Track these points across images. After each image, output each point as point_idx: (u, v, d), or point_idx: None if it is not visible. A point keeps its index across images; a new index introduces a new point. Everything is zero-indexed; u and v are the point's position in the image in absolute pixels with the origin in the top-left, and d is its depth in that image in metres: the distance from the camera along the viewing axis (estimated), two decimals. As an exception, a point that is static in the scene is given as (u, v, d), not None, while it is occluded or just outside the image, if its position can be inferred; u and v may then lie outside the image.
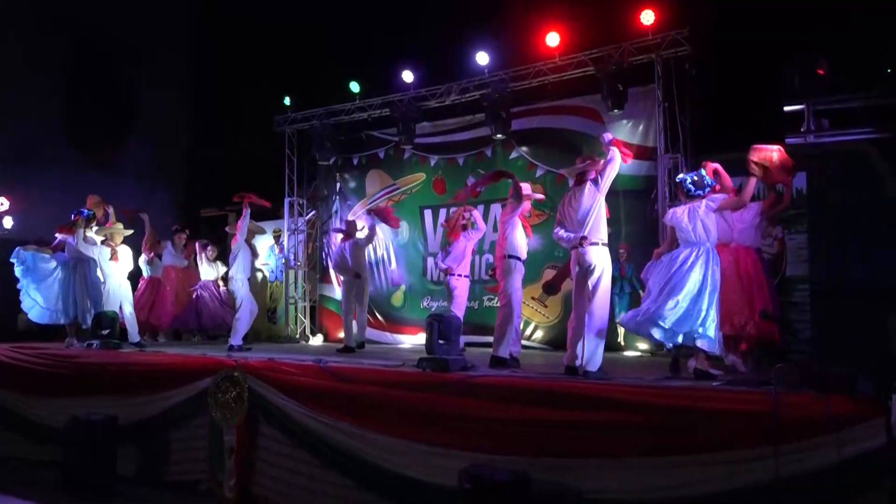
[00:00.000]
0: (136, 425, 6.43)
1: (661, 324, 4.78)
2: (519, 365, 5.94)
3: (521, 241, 6.55)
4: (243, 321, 8.19)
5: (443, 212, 10.16)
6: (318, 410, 5.39)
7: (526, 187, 6.95)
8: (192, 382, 6.14)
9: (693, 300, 4.77)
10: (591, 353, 5.11)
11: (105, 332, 7.42)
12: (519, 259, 6.47)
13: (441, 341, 5.18)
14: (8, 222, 9.24)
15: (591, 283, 5.26)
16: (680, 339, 4.83)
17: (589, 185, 5.56)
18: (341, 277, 9.31)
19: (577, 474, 4.23)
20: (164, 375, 6.41)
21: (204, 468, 6.02)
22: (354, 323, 8.82)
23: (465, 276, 8.40)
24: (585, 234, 5.33)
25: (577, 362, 5.14)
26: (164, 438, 6.37)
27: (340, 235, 9.24)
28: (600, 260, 5.32)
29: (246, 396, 5.71)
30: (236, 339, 8.04)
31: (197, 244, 9.92)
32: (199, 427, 6.11)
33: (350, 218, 10.17)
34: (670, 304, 4.74)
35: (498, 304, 6.83)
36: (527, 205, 7.03)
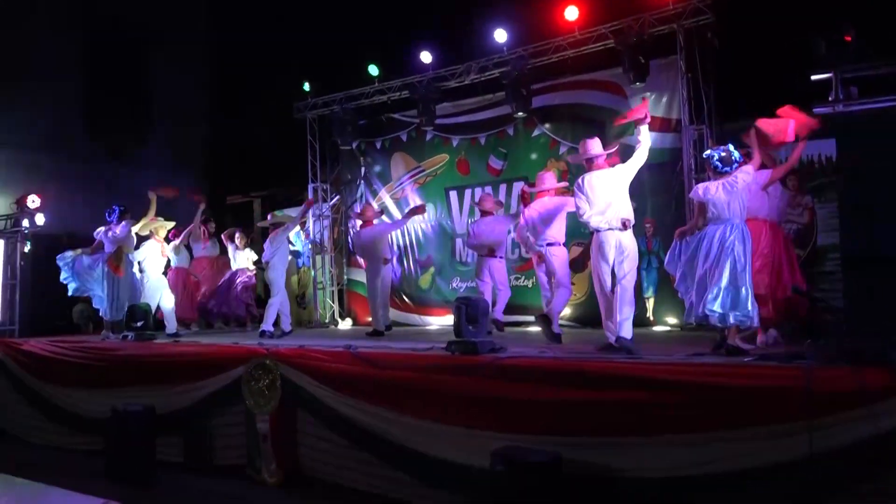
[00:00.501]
0: (173, 414, 6.55)
1: (713, 311, 4.77)
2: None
3: None
4: (274, 307, 8.30)
5: (468, 192, 10.14)
6: (350, 395, 5.46)
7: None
8: (226, 371, 6.24)
9: (737, 282, 4.75)
10: (622, 324, 5.33)
11: (139, 324, 7.54)
12: None
13: (469, 324, 5.19)
14: (40, 219, 9.41)
15: (623, 264, 5.44)
16: (732, 319, 4.77)
17: (614, 171, 5.66)
18: (365, 262, 9.32)
19: (608, 453, 4.25)
20: (199, 365, 6.51)
21: (244, 453, 6.13)
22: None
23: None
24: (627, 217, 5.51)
25: (611, 339, 5.40)
26: (203, 426, 6.49)
27: (360, 221, 9.25)
28: (630, 242, 5.50)
29: (279, 384, 5.80)
30: (267, 326, 8.16)
31: (224, 233, 10.01)
32: (236, 414, 6.21)
33: (374, 204, 10.17)
34: (713, 293, 4.76)
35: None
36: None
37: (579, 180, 5.76)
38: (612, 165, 5.87)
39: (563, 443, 4.36)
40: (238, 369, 6.14)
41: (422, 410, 5.04)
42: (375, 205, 10.28)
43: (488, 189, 9.84)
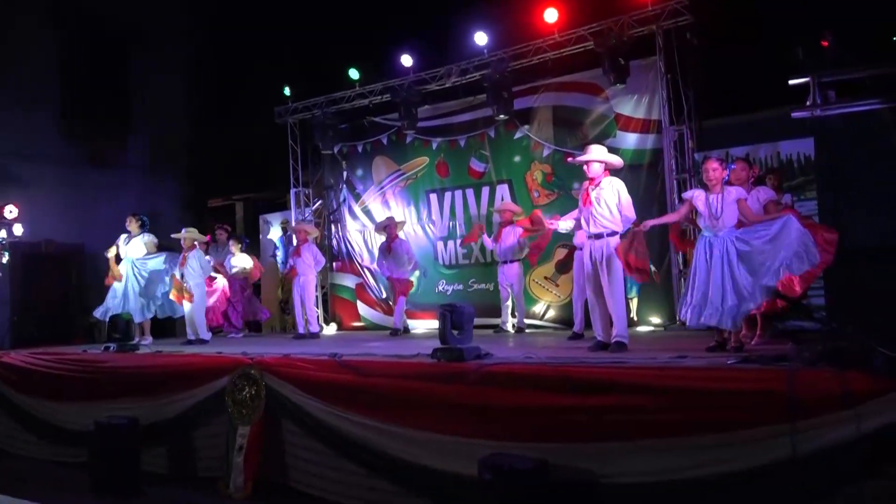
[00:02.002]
0: (157, 426, 6.47)
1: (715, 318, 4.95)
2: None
3: None
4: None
5: (448, 194, 10.14)
6: (335, 404, 5.41)
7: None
8: (210, 382, 6.17)
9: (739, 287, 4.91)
10: (623, 328, 5.73)
11: (120, 335, 7.46)
12: None
13: (454, 331, 5.18)
14: (18, 229, 9.28)
15: (612, 266, 5.71)
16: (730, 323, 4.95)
17: (611, 180, 5.89)
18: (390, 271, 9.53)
19: (595, 459, 4.24)
20: (182, 376, 6.44)
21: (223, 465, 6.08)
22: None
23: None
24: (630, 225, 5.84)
25: (614, 338, 5.69)
26: (188, 437, 6.42)
27: (384, 236, 9.58)
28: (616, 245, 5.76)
29: (263, 394, 5.75)
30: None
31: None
32: (220, 424, 6.14)
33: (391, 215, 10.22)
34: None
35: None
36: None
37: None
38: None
39: (549, 449, 4.36)
40: (222, 379, 6.08)
41: (408, 419, 5.01)
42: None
43: (470, 192, 9.86)
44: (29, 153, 11.47)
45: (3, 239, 9.24)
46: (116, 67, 13.01)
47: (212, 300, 9.52)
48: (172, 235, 8.92)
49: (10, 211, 9.22)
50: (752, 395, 3.88)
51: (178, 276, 8.58)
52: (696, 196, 5.34)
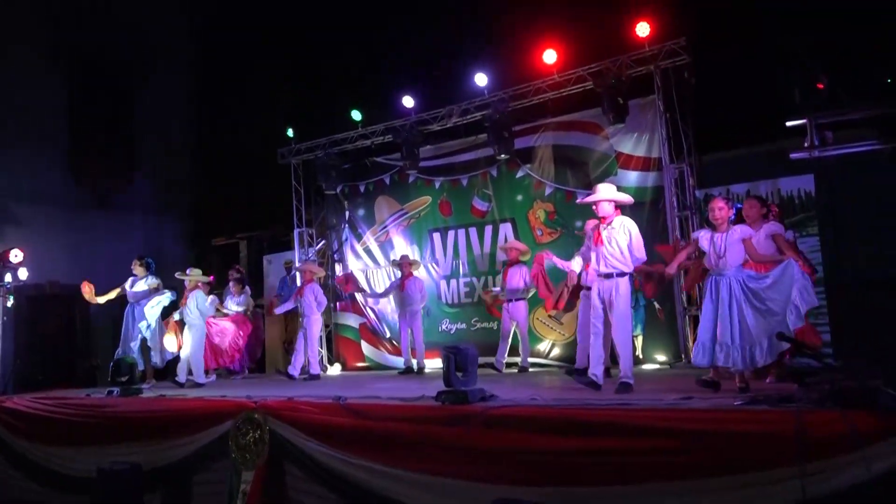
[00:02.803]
0: (160, 471, 6.41)
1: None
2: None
3: None
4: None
5: (451, 233, 10.18)
6: (339, 448, 5.36)
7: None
8: (214, 426, 6.13)
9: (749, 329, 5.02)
10: (628, 368, 5.70)
11: (124, 378, 7.44)
12: None
13: (458, 373, 5.16)
14: (23, 273, 9.32)
15: (620, 307, 5.71)
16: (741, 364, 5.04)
17: (623, 220, 5.91)
18: (398, 309, 9.69)
19: (602, 502, 4.20)
20: (186, 420, 6.39)
21: (228, 511, 6.01)
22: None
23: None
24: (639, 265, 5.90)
25: (620, 380, 5.68)
26: (190, 482, 6.36)
27: (400, 272, 9.66)
28: (625, 286, 5.79)
29: (267, 439, 5.71)
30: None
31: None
32: (221, 470, 6.09)
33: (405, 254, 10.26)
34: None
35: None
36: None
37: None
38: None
39: (556, 493, 4.32)
40: (226, 424, 6.04)
41: (413, 462, 4.97)
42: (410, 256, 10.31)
43: (473, 231, 9.91)
44: (34, 194, 11.60)
45: (8, 283, 9.26)
46: (120, 108, 13.21)
47: (227, 339, 9.61)
48: (177, 275, 9.00)
49: (16, 255, 9.26)
50: (760, 436, 3.85)
51: (175, 317, 8.64)
52: (702, 236, 5.40)
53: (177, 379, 8.68)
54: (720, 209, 5.25)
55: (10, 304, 9.48)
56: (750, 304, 5.05)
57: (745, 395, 4.53)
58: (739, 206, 5.79)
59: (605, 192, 5.94)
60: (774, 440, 3.78)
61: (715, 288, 5.18)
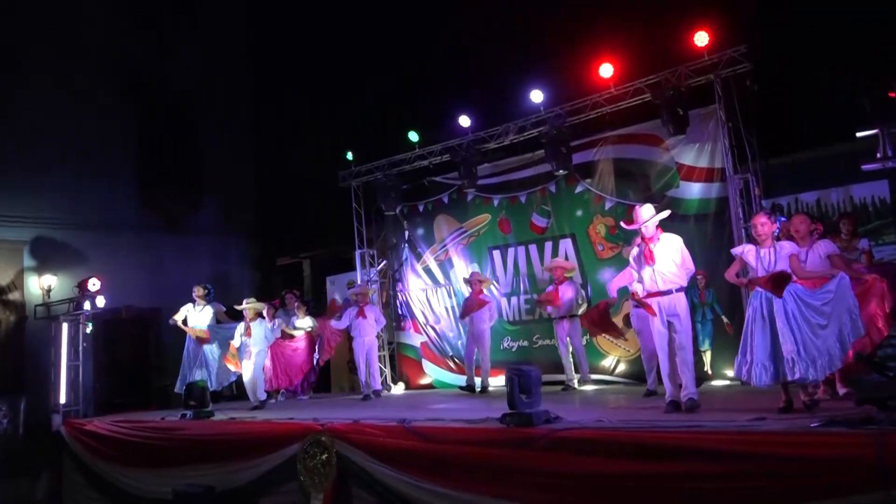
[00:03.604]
0: (230, 493, 6.58)
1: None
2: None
3: None
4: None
5: (510, 251, 10.16)
6: (405, 471, 5.40)
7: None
8: (282, 448, 6.26)
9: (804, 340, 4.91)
10: (693, 384, 5.62)
11: (194, 402, 7.66)
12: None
13: (522, 395, 5.13)
14: (101, 301, 9.72)
15: (683, 322, 5.68)
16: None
17: (668, 236, 5.87)
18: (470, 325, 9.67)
19: (673, 528, 4.11)
20: (255, 443, 6.55)
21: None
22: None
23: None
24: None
25: (684, 398, 5.54)
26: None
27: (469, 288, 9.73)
28: (683, 301, 5.74)
29: (335, 462, 5.79)
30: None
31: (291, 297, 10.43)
32: (289, 493, 6.20)
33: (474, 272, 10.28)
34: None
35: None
36: None
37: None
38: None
39: (625, 518, 4.24)
40: (294, 446, 6.16)
41: (479, 485, 4.96)
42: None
43: (533, 248, 9.87)
44: (108, 222, 12.13)
45: (87, 311, 9.68)
46: (186, 136, 13.70)
47: (298, 360, 9.88)
48: (236, 307, 9.26)
49: (94, 284, 9.68)
50: (839, 461, 3.69)
51: (235, 344, 8.91)
52: (747, 251, 5.30)
53: (253, 404, 8.91)
54: (762, 224, 5.19)
55: (89, 330, 9.89)
56: (806, 318, 4.94)
57: (822, 415, 4.35)
58: (783, 219, 5.63)
59: (646, 214, 5.87)
60: (854, 464, 3.63)
61: (766, 304, 5.04)
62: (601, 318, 7.33)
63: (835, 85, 7.69)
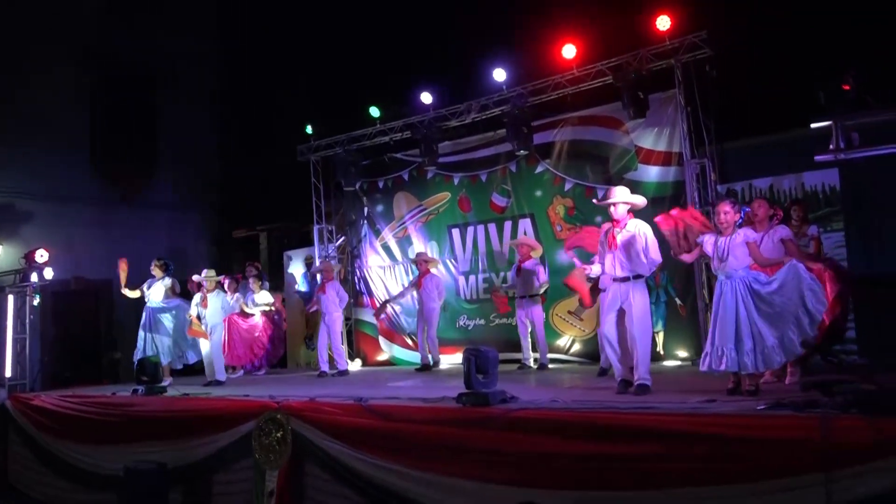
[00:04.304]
0: (183, 469, 6.52)
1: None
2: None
3: None
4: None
5: (470, 229, 10.19)
6: (361, 449, 5.40)
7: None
8: (237, 426, 6.20)
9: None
10: (645, 369, 5.64)
11: (148, 378, 7.53)
12: None
13: (479, 375, 5.17)
14: (49, 273, 9.46)
15: (638, 308, 5.70)
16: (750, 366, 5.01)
17: (637, 223, 5.88)
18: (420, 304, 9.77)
19: (625, 507, 4.20)
20: (209, 419, 6.48)
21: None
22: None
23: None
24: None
25: (636, 382, 5.62)
26: (213, 481, 6.45)
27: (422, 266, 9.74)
28: (641, 288, 5.79)
29: (290, 439, 5.77)
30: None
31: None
32: (243, 469, 6.17)
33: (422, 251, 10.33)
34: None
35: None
36: None
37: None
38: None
39: (577, 497, 4.33)
40: (249, 423, 6.11)
41: (434, 464, 4.99)
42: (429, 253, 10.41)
43: (492, 227, 9.90)
44: (58, 192, 11.78)
45: (35, 283, 9.42)
46: (143, 106, 13.34)
47: (256, 336, 9.81)
48: (194, 278, 9.11)
49: (41, 255, 9.40)
50: (785, 443, 3.81)
51: (195, 315, 8.77)
52: (706, 241, 5.38)
53: (217, 380, 8.80)
54: (726, 213, 5.24)
55: (36, 302, 9.64)
56: (757, 307, 5.04)
57: (769, 399, 4.48)
58: (747, 209, 5.75)
59: (621, 195, 5.91)
60: (799, 446, 3.74)
61: (720, 291, 5.17)
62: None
63: (791, 75, 7.84)
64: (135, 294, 9.15)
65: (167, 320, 8.98)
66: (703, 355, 5.26)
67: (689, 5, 8.03)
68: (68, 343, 11.66)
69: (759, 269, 5.29)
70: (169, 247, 12.57)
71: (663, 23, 7.99)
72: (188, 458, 6.52)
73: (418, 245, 10.62)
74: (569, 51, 8.67)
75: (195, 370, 9.43)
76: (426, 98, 9.89)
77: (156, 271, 9.02)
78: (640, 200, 6.00)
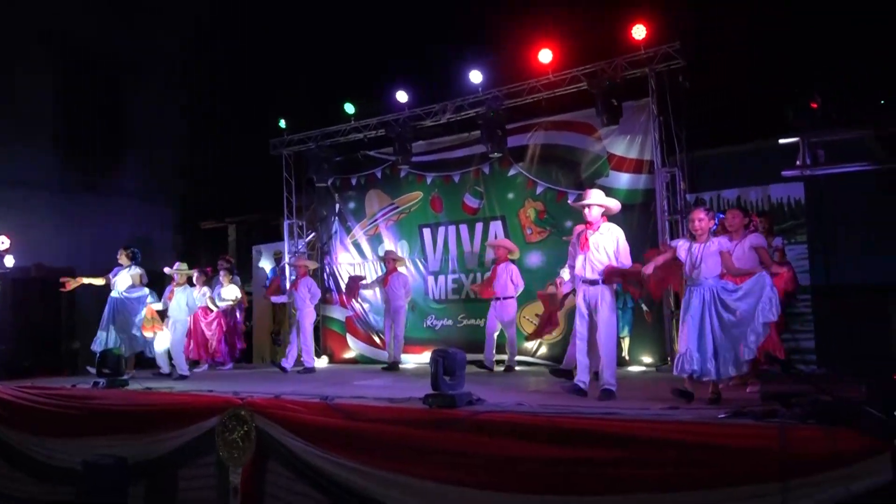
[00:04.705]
0: (145, 464, 6.42)
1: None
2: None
3: None
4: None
5: (441, 229, 10.20)
6: (326, 448, 5.37)
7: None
8: (200, 422, 6.12)
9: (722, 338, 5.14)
10: (611, 374, 5.73)
11: (109, 370, 7.40)
12: None
13: (446, 377, 5.18)
14: (9, 261, 9.25)
15: (605, 313, 5.76)
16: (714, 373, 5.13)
17: (610, 227, 5.93)
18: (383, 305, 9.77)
19: (586, 512, 4.24)
20: (172, 415, 6.38)
21: (215, 506, 6.02)
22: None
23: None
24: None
25: (602, 387, 5.70)
26: (175, 476, 6.35)
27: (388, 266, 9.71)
28: (610, 293, 5.82)
29: (254, 436, 5.72)
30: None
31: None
32: (208, 465, 6.10)
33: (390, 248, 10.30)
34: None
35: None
36: None
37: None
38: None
39: (543, 501, 4.36)
40: (212, 419, 6.04)
41: (400, 465, 4.98)
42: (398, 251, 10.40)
43: (464, 228, 9.93)
44: (21, 178, 11.51)
45: (-6, 271, 9.22)
46: (111, 93, 13.11)
47: (216, 330, 9.67)
48: (166, 271, 8.98)
49: (2, 242, 9.21)
50: (744, 451, 3.89)
51: (155, 308, 8.60)
52: (680, 245, 5.45)
53: (161, 371, 8.64)
54: (700, 220, 5.29)
55: (-4, 290, 9.43)
56: (719, 315, 5.14)
57: (729, 407, 4.57)
58: (721, 216, 5.84)
59: (596, 197, 5.96)
60: (758, 455, 3.82)
61: (689, 297, 5.25)
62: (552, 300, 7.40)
63: (761, 88, 8.00)
64: (100, 281, 8.96)
65: (131, 310, 8.82)
66: (676, 358, 5.31)
67: (665, 16, 8.15)
68: (28, 332, 11.37)
69: (730, 278, 5.38)
70: (134, 236, 12.38)
71: (639, 32, 8.09)
72: (150, 452, 6.41)
73: (389, 244, 10.60)
74: (545, 56, 8.73)
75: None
76: (402, 97, 9.89)
77: (122, 259, 8.84)
78: (615, 204, 6.06)
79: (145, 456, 6.42)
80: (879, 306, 7.43)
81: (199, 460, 6.15)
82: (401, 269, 9.80)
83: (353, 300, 10.49)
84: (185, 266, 8.91)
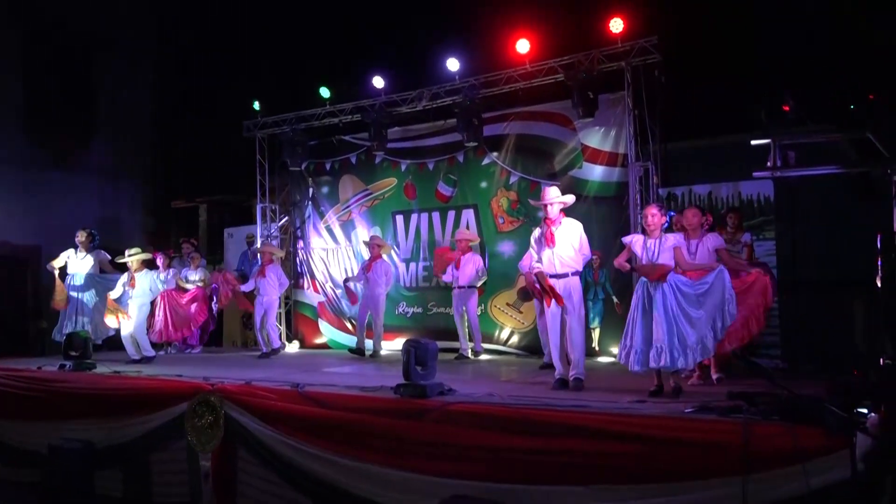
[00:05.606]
0: (113, 449, 6.36)
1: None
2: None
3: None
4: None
5: (414, 216, 10.19)
6: (295, 436, 5.37)
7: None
8: (169, 407, 6.08)
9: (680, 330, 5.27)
10: (581, 363, 5.88)
11: (76, 353, 7.31)
12: None
13: (418, 367, 5.20)
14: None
15: (575, 305, 5.88)
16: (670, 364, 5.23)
17: (570, 221, 6.04)
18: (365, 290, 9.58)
19: (550, 501, 4.31)
20: (140, 400, 6.33)
21: (186, 491, 6.01)
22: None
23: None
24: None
25: (571, 377, 5.83)
26: (144, 462, 6.31)
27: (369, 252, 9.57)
28: (578, 285, 5.95)
29: (222, 423, 5.69)
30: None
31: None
32: (178, 450, 6.07)
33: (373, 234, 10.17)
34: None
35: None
36: None
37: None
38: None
39: (511, 491, 4.41)
40: (182, 405, 6.00)
41: (369, 454, 5.00)
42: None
43: (436, 216, 9.93)
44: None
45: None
46: (81, 69, 12.80)
47: (188, 312, 9.62)
48: (118, 260, 8.79)
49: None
50: (707, 445, 3.98)
51: (113, 296, 8.44)
52: (635, 241, 5.57)
53: (133, 357, 8.48)
54: (652, 216, 5.46)
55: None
56: (683, 309, 5.27)
57: (696, 402, 4.66)
58: (672, 213, 5.97)
59: (555, 195, 6.05)
60: (721, 449, 3.92)
61: (646, 292, 5.35)
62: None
63: (735, 86, 8.10)
64: (60, 263, 8.80)
65: (91, 293, 8.71)
66: (623, 350, 5.46)
67: (643, 10, 8.18)
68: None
69: (683, 273, 5.48)
70: (103, 215, 12.22)
71: (616, 25, 8.12)
72: (119, 437, 6.35)
73: (362, 229, 10.57)
74: (522, 45, 8.73)
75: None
76: (378, 82, 9.83)
77: (81, 239, 8.72)
78: (571, 199, 6.18)
79: (116, 440, 6.37)
80: (845, 302, 7.62)
81: (171, 445, 6.11)
82: (384, 256, 9.71)
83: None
84: (135, 251, 8.64)
